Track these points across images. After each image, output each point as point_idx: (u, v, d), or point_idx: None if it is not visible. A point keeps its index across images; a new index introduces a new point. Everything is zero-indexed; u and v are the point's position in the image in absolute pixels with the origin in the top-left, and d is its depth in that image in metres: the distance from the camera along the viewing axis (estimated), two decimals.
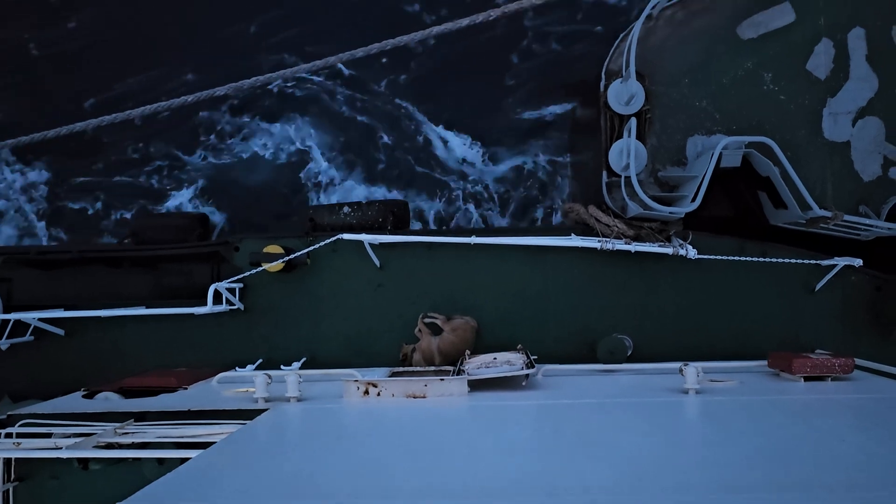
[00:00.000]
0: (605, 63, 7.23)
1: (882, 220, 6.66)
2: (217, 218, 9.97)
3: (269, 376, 5.07)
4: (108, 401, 5.63)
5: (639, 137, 6.73)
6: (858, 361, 5.51)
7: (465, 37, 8.66)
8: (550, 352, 6.53)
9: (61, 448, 4.28)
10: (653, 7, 6.81)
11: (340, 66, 9.88)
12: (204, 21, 10.14)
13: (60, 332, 7.26)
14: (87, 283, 7.65)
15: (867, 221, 6.55)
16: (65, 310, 7.10)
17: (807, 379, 5.32)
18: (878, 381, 5.32)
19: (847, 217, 6.48)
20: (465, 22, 6.67)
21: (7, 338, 6.96)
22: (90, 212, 10.19)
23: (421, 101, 10.03)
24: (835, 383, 5.26)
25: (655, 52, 7.03)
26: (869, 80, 6.86)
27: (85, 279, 7.68)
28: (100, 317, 6.87)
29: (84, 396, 5.79)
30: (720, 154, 6.43)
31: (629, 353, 6.66)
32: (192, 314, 6.63)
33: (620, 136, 6.83)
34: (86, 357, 7.24)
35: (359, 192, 9.97)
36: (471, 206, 9.92)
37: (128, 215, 10.13)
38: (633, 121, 6.56)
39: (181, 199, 10.08)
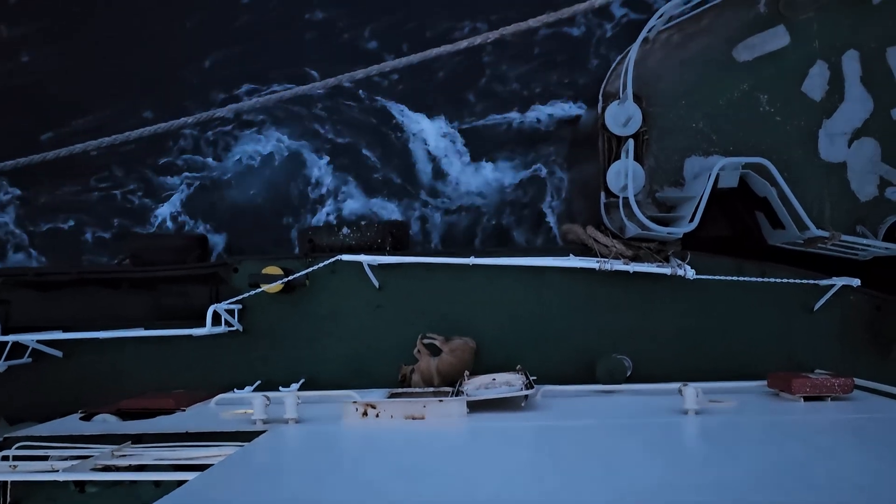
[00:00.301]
0: (603, 85, 7.30)
1: (879, 241, 6.68)
2: (217, 239, 10.01)
3: (268, 398, 5.06)
4: (106, 423, 5.61)
5: (636, 158, 6.78)
6: (858, 381, 5.49)
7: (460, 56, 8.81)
8: (549, 372, 6.52)
9: (58, 471, 4.26)
10: (649, 30, 6.89)
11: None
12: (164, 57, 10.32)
13: (59, 353, 7.24)
14: (85, 305, 7.65)
15: (864, 241, 6.57)
16: (63, 331, 7.09)
17: (807, 399, 5.31)
18: (878, 401, 5.31)
19: (844, 237, 6.50)
20: (464, 44, 6.75)
21: (5, 360, 6.94)
22: (67, 229, 10.29)
23: (416, 113, 10.14)
24: (835, 403, 5.24)
25: (652, 75, 7.10)
26: (864, 102, 6.92)
27: (83, 301, 7.67)
28: (98, 338, 6.86)
29: (81, 418, 5.76)
30: (717, 175, 6.46)
31: (628, 373, 6.64)
32: (190, 335, 6.62)
33: (618, 158, 6.87)
34: (84, 379, 7.21)
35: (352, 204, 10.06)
36: (462, 225, 9.99)
37: (107, 235, 10.21)
38: (631, 142, 6.61)
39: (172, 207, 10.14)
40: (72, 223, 10.26)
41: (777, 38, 6.99)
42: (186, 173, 10.23)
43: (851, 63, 6.94)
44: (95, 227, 10.26)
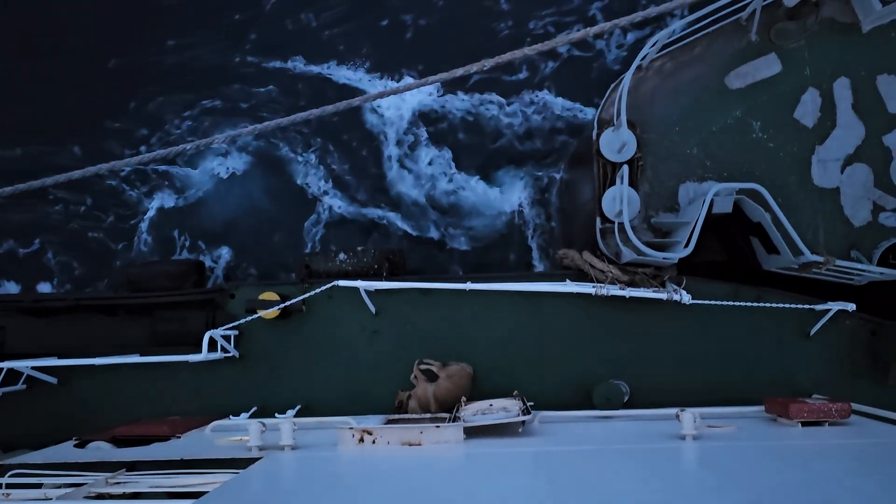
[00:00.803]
0: (597, 112, 7.37)
1: (874, 265, 6.71)
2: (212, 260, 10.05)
3: (264, 424, 5.03)
4: (100, 450, 5.57)
5: (631, 184, 6.84)
6: (855, 406, 5.49)
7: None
8: (547, 398, 6.50)
9: (52, 499, 4.22)
10: (642, 58, 6.98)
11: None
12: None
13: (53, 380, 7.20)
14: (81, 331, 7.63)
15: (859, 266, 6.60)
16: (58, 358, 7.06)
17: (804, 424, 5.30)
18: (876, 426, 5.30)
19: (839, 262, 6.53)
20: (459, 72, 6.81)
21: None
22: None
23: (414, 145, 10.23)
24: (832, 428, 5.23)
25: (646, 102, 7.18)
26: (856, 128, 7.00)
27: (80, 327, 7.66)
28: (93, 365, 6.83)
29: (76, 446, 5.72)
30: (712, 200, 6.51)
31: (626, 398, 6.63)
32: (187, 362, 6.59)
33: (613, 183, 6.92)
34: (79, 406, 7.17)
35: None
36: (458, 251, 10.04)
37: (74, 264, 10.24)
38: (626, 168, 6.67)
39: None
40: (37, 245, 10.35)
41: (769, 66, 7.09)
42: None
43: (843, 90, 7.04)
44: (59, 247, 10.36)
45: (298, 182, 10.25)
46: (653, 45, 6.89)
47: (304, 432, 5.33)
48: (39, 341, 7.52)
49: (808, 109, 7.04)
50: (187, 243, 10.23)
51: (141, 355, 6.94)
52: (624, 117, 6.69)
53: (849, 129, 7.01)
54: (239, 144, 10.32)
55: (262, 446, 4.96)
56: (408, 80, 9.39)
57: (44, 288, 10.35)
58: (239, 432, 5.47)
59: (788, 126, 7.02)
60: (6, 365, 6.85)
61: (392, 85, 9.12)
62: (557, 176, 9.91)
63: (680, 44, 7.19)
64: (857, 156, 6.97)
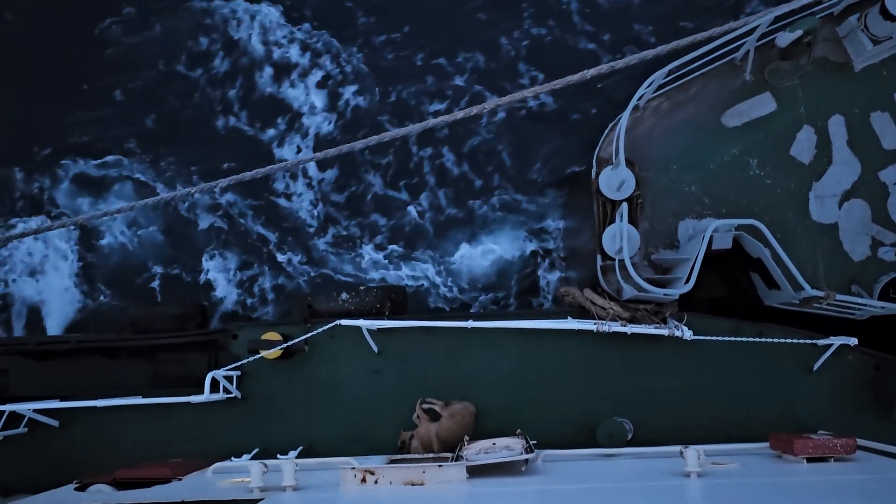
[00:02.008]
0: (596, 151, 7.46)
1: (875, 300, 6.72)
2: None
3: (266, 465, 5.00)
4: (101, 493, 5.53)
5: (631, 221, 6.89)
6: (860, 442, 5.44)
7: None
8: (550, 436, 6.44)
9: None
10: (639, 98, 7.09)
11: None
12: None
13: (55, 423, 7.17)
14: (84, 374, 7.62)
15: (860, 301, 6.61)
16: (60, 400, 7.03)
17: (809, 460, 5.25)
18: (882, 462, 5.25)
19: (840, 297, 6.53)
20: (460, 115, 6.93)
21: (1, 430, 6.86)
22: None
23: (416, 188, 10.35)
24: (838, 464, 5.18)
25: (643, 140, 7.28)
26: (852, 164, 7.08)
27: (82, 369, 7.65)
28: (95, 407, 6.80)
29: (76, 489, 5.68)
30: (711, 236, 6.54)
31: (629, 436, 6.57)
32: (189, 403, 6.57)
33: (613, 221, 6.98)
34: (80, 448, 7.12)
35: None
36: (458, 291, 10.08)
37: None
38: (625, 205, 6.72)
39: None
40: None
41: (764, 105, 7.22)
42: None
43: (837, 127, 7.14)
44: None
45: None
46: (649, 85, 7.01)
47: (306, 473, 5.29)
48: (42, 384, 7.51)
49: (803, 147, 7.14)
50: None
51: (143, 397, 6.92)
52: (622, 156, 6.77)
53: (845, 165, 7.09)
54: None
55: (263, 487, 4.92)
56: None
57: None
58: (240, 474, 5.42)
59: (785, 163, 7.11)
60: (8, 408, 6.83)
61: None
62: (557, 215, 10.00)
63: (676, 84, 7.32)
64: (854, 191, 7.04)
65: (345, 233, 10.29)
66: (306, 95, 10.45)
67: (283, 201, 10.39)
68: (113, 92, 10.56)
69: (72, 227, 10.20)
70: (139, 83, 10.57)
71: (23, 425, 7.04)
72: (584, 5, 10.18)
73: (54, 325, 10.33)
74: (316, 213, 10.32)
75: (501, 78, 10.20)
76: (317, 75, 10.44)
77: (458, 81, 10.27)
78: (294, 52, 10.51)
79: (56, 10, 10.75)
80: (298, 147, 10.35)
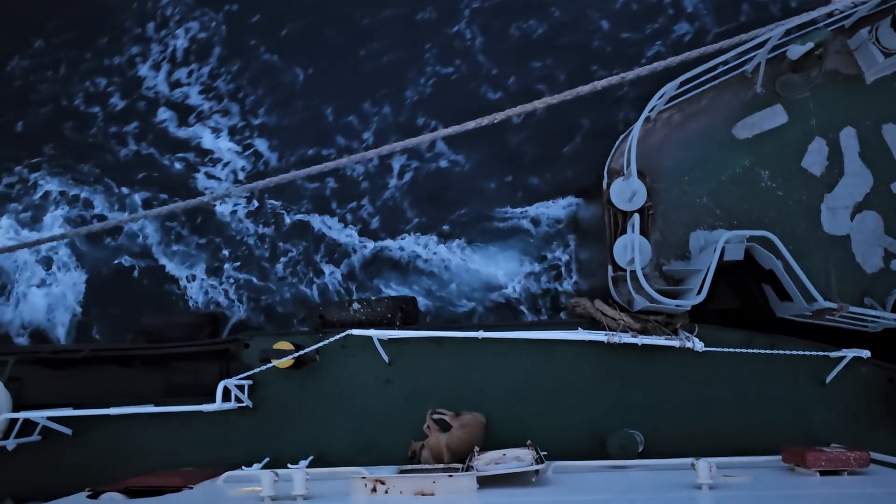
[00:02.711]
0: (607, 163, 7.47)
1: (888, 312, 6.68)
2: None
3: (276, 474, 5.00)
4: (113, 501, 5.55)
5: (642, 233, 6.89)
6: (874, 455, 5.39)
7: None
8: (560, 447, 6.42)
9: None
10: (650, 110, 7.11)
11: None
12: None
13: (68, 431, 7.22)
14: (97, 382, 7.68)
15: (873, 313, 6.56)
16: (74, 408, 7.09)
17: (822, 473, 5.20)
18: (895, 476, 5.21)
19: (853, 308, 6.49)
20: (471, 125, 6.97)
21: (15, 437, 6.92)
22: None
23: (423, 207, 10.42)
24: (851, 478, 5.13)
25: (655, 152, 7.29)
26: (863, 176, 7.06)
27: (96, 378, 7.71)
28: (108, 415, 6.85)
29: (88, 497, 5.70)
30: (723, 248, 6.53)
31: (640, 448, 6.55)
32: (201, 412, 6.61)
33: (624, 232, 6.98)
34: (93, 456, 7.16)
35: None
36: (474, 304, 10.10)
37: None
38: (637, 217, 6.72)
39: None
40: None
41: (775, 117, 7.22)
42: None
43: (849, 139, 7.13)
44: None
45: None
46: (660, 97, 7.03)
47: (316, 482, 5.29)
48: (55, 392, 7.56)
49: (815, 158, 7.12)
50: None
51: (155, 405, 6.96)
52: (634, 167, 6.78)
53: (857, 177, 7.07)
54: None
55: (274, 497, 4.92)
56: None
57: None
58: (251, 483, 5.44)
59: (797, 175, 7.10)
60: (22, 415, 6.88)
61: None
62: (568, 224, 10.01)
63: (687, 95, 7.33)
64: (866, 203, 7.02)
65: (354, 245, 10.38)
66: None
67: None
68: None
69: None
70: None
71: (36, 433, 7.10)
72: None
73: (65, 335, 10.44)
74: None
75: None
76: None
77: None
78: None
79: None
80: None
